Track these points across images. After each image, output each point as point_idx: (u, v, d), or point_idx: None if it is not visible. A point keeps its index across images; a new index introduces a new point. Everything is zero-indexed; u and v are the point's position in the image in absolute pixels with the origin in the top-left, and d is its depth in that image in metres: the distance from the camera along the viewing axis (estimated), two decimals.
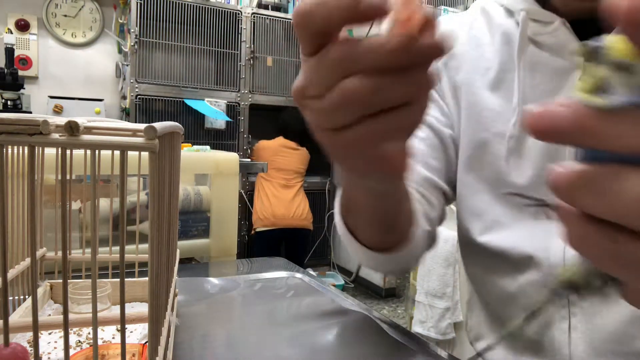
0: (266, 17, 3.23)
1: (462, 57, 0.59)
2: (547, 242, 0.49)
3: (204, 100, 3.02)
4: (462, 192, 0.59)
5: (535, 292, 0.51)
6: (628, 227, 0.18)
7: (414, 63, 0.25)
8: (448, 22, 0.65)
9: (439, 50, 0.24)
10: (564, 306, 0.49)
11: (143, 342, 0.47)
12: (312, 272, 0.91)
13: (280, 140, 3.01)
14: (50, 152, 0.45)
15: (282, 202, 2.88)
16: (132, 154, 0.30)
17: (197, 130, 3.06)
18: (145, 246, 0.33)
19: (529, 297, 0.52)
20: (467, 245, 0.59)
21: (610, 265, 0.20)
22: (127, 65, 2.96)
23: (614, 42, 0.18)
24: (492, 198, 0.55)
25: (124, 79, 3.12)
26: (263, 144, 3.04)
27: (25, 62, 3.19)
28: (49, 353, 0.47)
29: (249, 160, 3.16)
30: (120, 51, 3.34)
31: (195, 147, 1.38)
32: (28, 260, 0.52)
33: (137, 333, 0.53)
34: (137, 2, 2.81)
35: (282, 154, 2.97)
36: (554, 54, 0.50)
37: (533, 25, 0.51)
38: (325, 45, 0.26)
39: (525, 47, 0.51)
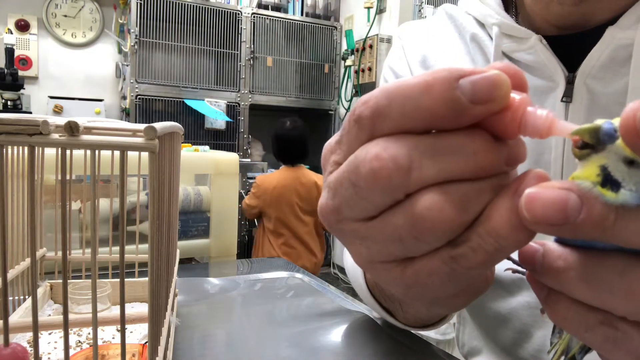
0: (266, 17, 3.24)
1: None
2: None
3: (203, 100, 3.02)
4: None
5: (528, 313, 0.49)
6: (629, 319, 0.18)
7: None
8: (412, 30, 0.61)
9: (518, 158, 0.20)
10: (559, 332, 0.48)
11: (143, 342, 0.47)
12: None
13: (283, 172, 2.35)
14: (50, 152, 0.45)
15: (294, 249, 2.34)
16: (132, 154, 0.30)
17: (197, 130, 3.06)
18: (145, 246, 0.32)
19: (521, 318, 0.50)
20: None
21: (610, 350, 0.19)
22: (127, 65, 2.97)
23: None
24: None
25: (124, 79, 3.12)
26: (264, 183, 2.32)
27: (25, 62, 3.19)
28: (49, 353, 0.47)
29: (249, 160, 3.16)
30: (120, 51, 3.35)
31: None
32: (28, 260, 0.52)
33: (137, 333, 0.53)
34: (137, 2, 2.81)
35: (286, 195, 2.28)
36: (531, 73, 0.47)
37: (507, 41, 0.48)
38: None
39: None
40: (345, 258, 0.59)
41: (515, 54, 0.48)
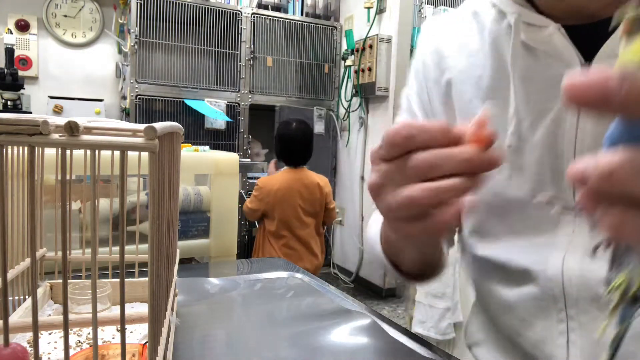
0: (266, 17, 3.24)
1: (453, 68, 0.56)
2: (545, 256, 0.48)
3: (203, 100, 3.02)
4: None
5: (533, 304, 0.50)
6: None
7: (477, 170, 0.31)
8: (435, 25, 0.61)
9: (496, 163, 0.31)
10: (562, 320, 0.48)
11: (143, 342, 0.47)
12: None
13: (286, 174, 2.29)
14: (50, 152, 0.45)
15: (296, 251, 2.31)
16: (132, 154, 0.30)
17: (197, 130, 3.06)
18: (145, 246, 0.33)
19: (526, 307, 0.51)
20: (466, 254, 0.59)
21: None
22: (127, 65, 2.97)
23: None
24: (488, 213, 0.53)
25: (124, 79, 3.12)
26: (267, 185, 2.26)
27: (25, 62, 3.19)
28: (49, 353, 0.47)
29: (249, 160, 3.16)
30: (120, 51, 3.35)
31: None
32: (28, 260, 0.52)
33: (137, 333, 0.54)
34: (137, 2, 2.81)
35: (290, 197, 2.25)
36: (549, 61, 0.47)
37: (526, 29, 0.48)
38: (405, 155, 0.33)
39: (518, 53, 0.49)
40: (367, 231, 0.65)
41: (532, 42, 0.48)
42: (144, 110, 2.91)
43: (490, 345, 0.59)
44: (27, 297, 0.53)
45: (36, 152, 0.48)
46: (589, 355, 0.46)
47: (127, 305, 0.42)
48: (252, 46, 3.18)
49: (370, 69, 2.98)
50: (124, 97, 3.10)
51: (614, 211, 0.20)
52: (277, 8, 3.33)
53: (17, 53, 3.05)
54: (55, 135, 0.25)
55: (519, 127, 0.49)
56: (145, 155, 0.28)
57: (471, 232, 0.56)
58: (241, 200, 2.50)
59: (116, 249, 0.58)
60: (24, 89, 2.88)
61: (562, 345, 0.47)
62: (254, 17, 3.18)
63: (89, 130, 0.26)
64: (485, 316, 0.61)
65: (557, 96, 0.47)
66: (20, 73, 2.87)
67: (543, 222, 0.49)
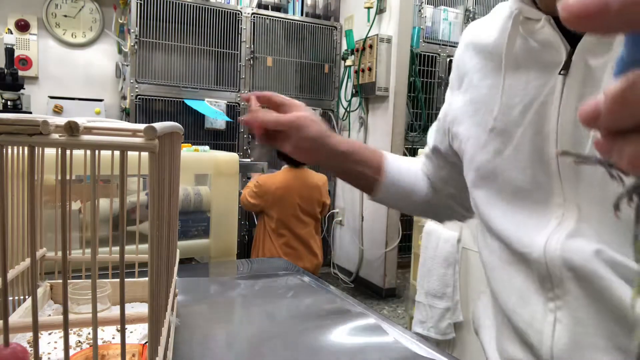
0: (266, 17, 3.24)
1: (471, 78, 0.61)
2: (533, 236, 0.51)
3: (204, 100, 3.02)
4: (470, 189, 0.62)
5: (529, 282, 0.52)
6: None
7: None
8: (474, 31, 0.66)
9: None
10: (551, 299, 0.50)
11: (143, 342, 0.47)
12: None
13: (286, 173, 2.32)
14: (50, 152, 0.45)
15: (296, 250, 2.35)
16: (132, 154, 0.30)
17: (197, 130, 3.06)
18: (145, 246, 0.33)
19: (525, 285, 0.53)
20: (479, 233, 0.63)
21: None
22: (127, 65, 2.97)
23: None
24: (491, 195, 0.57)
25: (124, 79, 3.12)
26: (266, 183, 2.30)
27: (25, 62, 3.19)
28: (49, 353, 0.47)
29: (248, 160, 3.16)
30: (120, 51, 3.35)
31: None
32: (28, 260, 0.52)
33: (137, 333, 0.53)
34: (137, 2, 2.81)
35: (288, 196, 2.29)
36: (539, 49, 0.52)
37: (524, 23, 0.53)
38: None
39: (513, 43, 0.53)
40: None
41: (528, 34, 0.53)
42: (144, 110, 2.91)
43: (491, 327, 0.61)
44: (27, 297, 0.53)
45: (36, 152, 0.48)
46: (574, 333, 0.48)
47: (127, 305, 0.42)
48: (252, 46, 3.18)
49: (370, 69, 2.98)
50: (124, 97, 3.10)
51: (631, 140, 0.19)
52: (277, 8, 3.33)
53: (17, 53, 3.05)
54: (55, 135, 0.25)
55: (509, 112, 0.53)
56: (145, 155, 0.28)
57: (476, 209, 0.60)
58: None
59: (116, 249, 0.58)
60: (24, 89, 2.88)
61: (551, 323, 0.50)
62: (254, 17, 3.18)
63: (89, 130, 0.26)
64: (488, 298, 0.63)
65: (546, 81, 0.50)
66: (20, 73, 2.87)
67: (537, 203, 0.52)
